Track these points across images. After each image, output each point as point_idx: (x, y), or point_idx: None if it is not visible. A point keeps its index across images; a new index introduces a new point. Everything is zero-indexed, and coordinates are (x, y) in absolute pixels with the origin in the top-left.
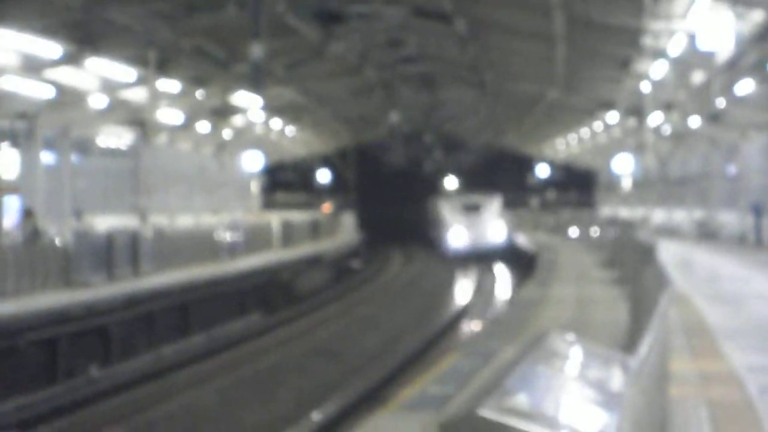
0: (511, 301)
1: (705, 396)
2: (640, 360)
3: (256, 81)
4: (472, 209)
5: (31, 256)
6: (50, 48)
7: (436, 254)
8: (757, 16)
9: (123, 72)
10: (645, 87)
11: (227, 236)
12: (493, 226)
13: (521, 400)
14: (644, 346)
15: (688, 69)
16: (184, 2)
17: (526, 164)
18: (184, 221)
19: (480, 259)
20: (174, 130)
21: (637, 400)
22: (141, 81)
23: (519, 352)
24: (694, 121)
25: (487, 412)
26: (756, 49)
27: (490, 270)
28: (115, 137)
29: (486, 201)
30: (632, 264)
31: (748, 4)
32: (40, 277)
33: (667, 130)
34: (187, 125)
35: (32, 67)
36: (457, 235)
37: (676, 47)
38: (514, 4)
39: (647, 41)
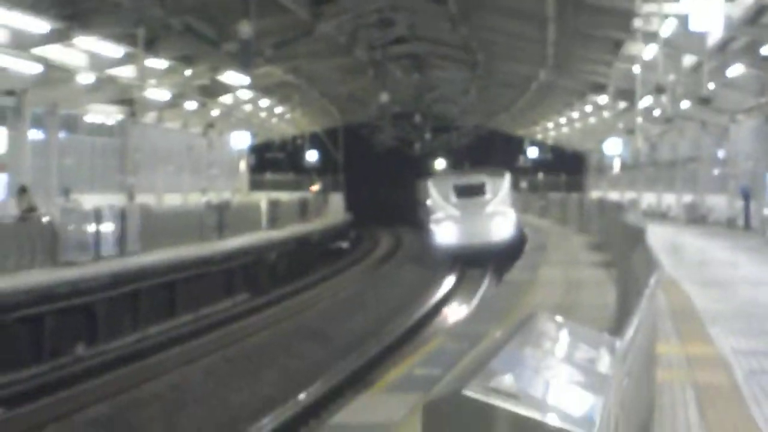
0: (500, 284)
1: (692, 379)
2: (627, 342)
3: (244, 60)
4: (470, 193)
5: (25, 232)
6: (39, 25)
7: (425, 237)
8: None
9: (112, 50)
10: (636, 70)
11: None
12: (500, 216)
13: (507, 381)
14: (632, 329)
15: (679, 52)
16: None
17: (516, 146)
18: (172, 200)
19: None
20: (162, 109)
21: (625, 382)
22: (129, 59)
23: (506, 334)
24: (685, 105)
25: (472, 393)
26: (746, 33)
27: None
28: (104, 115)
29: (489, 181)
30: (621, 247)
31: None
32: (27, 255)
33: (657, 113)
34: (176, 103)
35: (21, 44)
36: (446, 229)
37: (667, 30)
38: None
39: (639, 24)
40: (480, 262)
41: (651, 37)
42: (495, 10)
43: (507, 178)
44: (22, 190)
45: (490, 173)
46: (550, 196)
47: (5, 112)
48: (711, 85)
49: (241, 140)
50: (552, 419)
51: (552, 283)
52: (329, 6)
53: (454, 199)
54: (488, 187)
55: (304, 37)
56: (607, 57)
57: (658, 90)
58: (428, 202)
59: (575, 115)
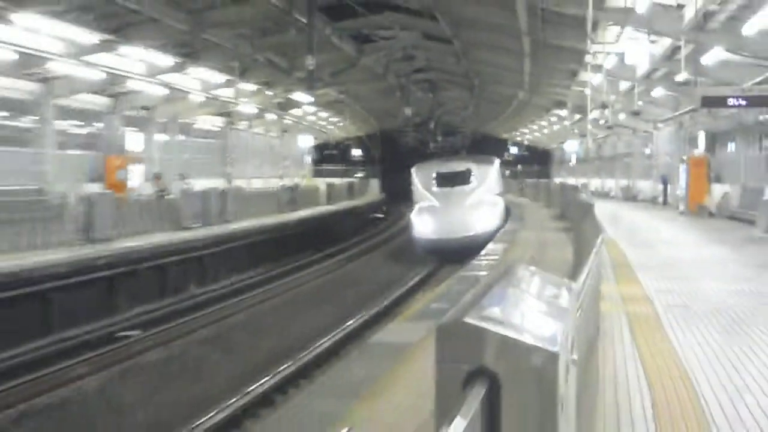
0: (491, 243)
1: (625, 310)
2: (580, 284)
3: (309, 84)
4: (454, 181)
5: (156, 206)
6: (165, 60)
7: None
8: (666, 41)
9: (215, 77)
10: (587, 91)
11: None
12: (485, 206)
13: (495, 311)
14: (584, 275)
15: (617, 79)
16: (259, 27)
17: (502, 145)
18: (258, 184)
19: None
20: (251, 119)
21: (578, 312)
22: (228, 83)
23: (494, 278)
24: (621, 116)
25: (471, 320)
26: (665, 65)
27: None
28: (210, 123)
29: (476, 168)
30: (576, 217)
31: (659, 34)
32: (158, 222)
33: (602, 122)
34: (260, 115)
35: (152, 72)
36: (425, 221)
37: (609, 63)
38: (495, 31)
39: (589, 59)
40: (458, 257)
41: (597, 68)
42: (487, 49)
43: (496, 165)
44: (157, 176)
45: (477, 160)
46: (526, 181)
47: (142, 121)
48: (640, 103)
49: (306, 141)
50: (527, 338)
51: (527, 243)
52: (369, 46)
53: (435, 188)
54: (474, 175)
55: (351, 68)
56: (566, 82)
57: (603, 106)
58: (412, 190)
59: (544, 123)
